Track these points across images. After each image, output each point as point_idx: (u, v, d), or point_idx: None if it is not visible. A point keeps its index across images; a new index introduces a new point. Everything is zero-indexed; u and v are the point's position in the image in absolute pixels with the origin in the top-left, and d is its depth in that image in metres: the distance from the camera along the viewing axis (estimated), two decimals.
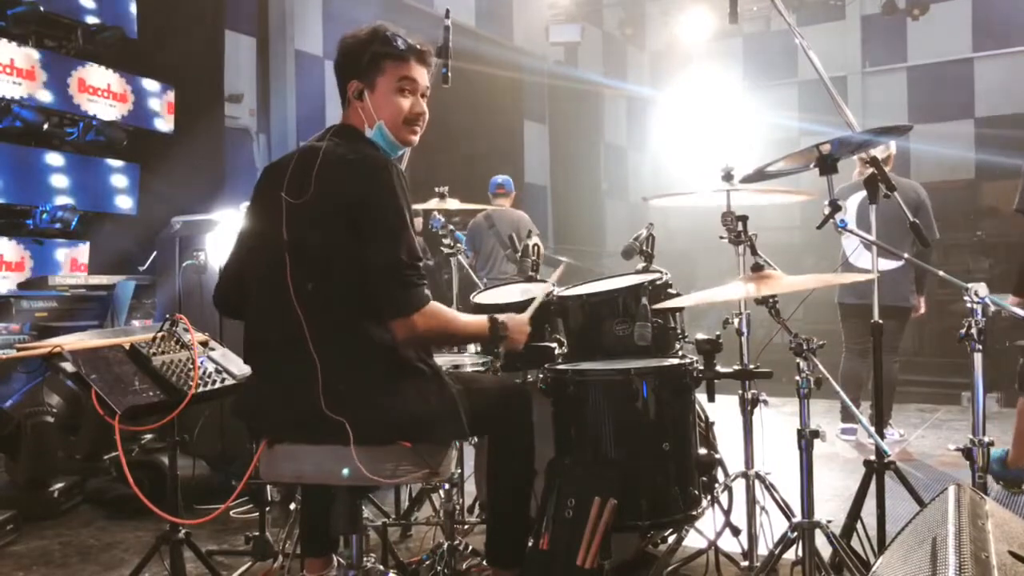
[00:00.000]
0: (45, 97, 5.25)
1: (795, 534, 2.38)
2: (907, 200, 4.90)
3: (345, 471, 2.00)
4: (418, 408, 2.07)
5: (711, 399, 2.70)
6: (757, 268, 2.45)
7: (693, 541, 2.89)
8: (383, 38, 2.21)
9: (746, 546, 2.71)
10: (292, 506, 3.02)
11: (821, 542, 2.39)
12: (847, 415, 5.22)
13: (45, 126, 5.24)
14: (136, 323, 4.80)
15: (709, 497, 2.76)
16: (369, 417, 2.01)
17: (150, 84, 5.96)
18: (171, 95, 6.11)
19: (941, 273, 2.51)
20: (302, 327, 2.01)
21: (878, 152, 4.67)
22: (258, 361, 2.22)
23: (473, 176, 6.41)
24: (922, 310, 5.29)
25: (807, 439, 2.34)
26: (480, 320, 2.27)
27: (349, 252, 2.04)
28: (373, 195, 2.05)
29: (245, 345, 2.23)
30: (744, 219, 2.71)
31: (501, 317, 2.28)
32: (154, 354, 2.46)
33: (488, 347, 2.45)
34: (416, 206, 3.40)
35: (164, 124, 6.06)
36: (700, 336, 2.66)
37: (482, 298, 3.27)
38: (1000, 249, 9.10)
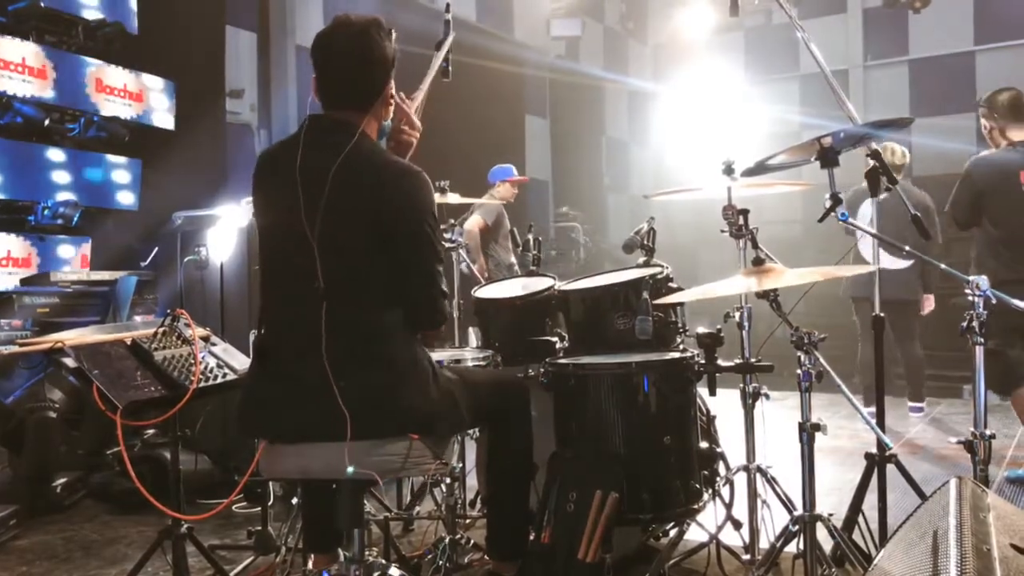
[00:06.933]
0: (48, 94, 5.24)
1: (796, 527, 2.39)
2: (914, 203, 4.95)
3: (354, 466, 1.98)
4: (424, 401, 2.08)
5: (712, 393, 2.70)
6: (758, 262, 2.45)
7: (695, 535, 2.89)
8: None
9: (747, 539, 2.71)
10: (294, 501, 3.02)
11: (823, 535, 2.39)
12: (870, 398, 5.29)
13: (46, 122, 5.23)
14: (138, 318, 4.80)
15: (710, 491, 2.77)
16: (378, 411, 2.02)
17: (152, 80, 5.96)
18: (173, 90, 6.10)
19: (943, 266, 2.51)
20: (315, 324, 2.00)
21: (896, 159, 4.94)
22: (266, 357, 2.19)
23: (474, 171, 6.38)
24: (929, 308, 5.46)
25: (808, 432, 2.34)
26: None
27: (375, 252, 2.05)
28: (410, 207, 2.09)
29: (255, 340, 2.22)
30: (745, 213, 2.70)
31: None
32: (155, 349, 2.46)
33: None
34: None
35: (165, 120, 6.06)
36: (701, 330, 2.66)
37: (483, 292, 3.28)
38: None
